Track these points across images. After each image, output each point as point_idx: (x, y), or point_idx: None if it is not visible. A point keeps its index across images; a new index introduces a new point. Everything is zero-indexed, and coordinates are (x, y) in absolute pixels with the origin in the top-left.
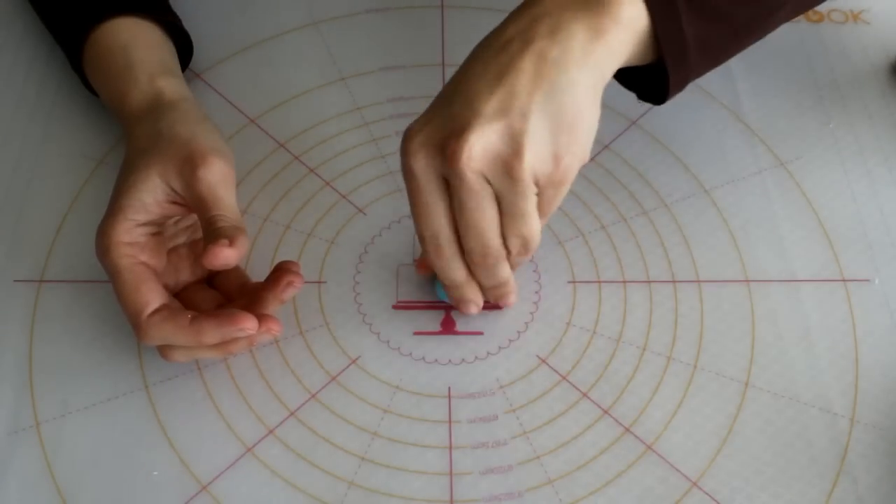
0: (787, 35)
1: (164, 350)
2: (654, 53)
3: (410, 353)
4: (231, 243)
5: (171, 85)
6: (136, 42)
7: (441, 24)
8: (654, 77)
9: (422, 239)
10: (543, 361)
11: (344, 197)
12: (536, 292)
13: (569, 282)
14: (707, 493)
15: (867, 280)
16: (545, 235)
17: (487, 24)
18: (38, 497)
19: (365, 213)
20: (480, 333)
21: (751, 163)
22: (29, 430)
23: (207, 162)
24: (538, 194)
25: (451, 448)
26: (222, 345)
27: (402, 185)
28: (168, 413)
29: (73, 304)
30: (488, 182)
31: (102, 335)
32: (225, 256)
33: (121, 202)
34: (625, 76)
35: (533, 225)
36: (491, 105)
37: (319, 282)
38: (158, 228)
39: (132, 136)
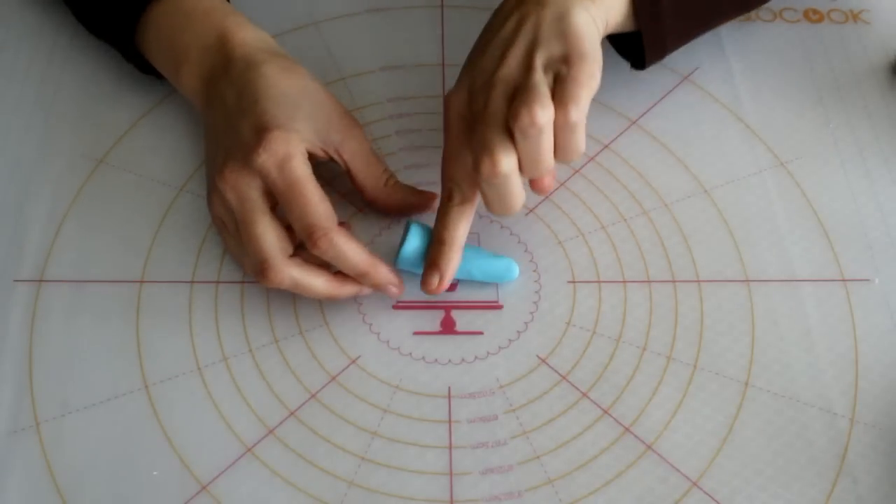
0: (787, 35)
1: (277, 268)
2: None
3: (410, 353)
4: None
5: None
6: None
7: (441, 24)
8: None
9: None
10: (543, 361)
11: (344, 197)
12: (536, 292)
13: (569, 282)
14: (707, 493)
15: (867, 280)
16: (545, 235)
17: None
18: (38, 497)
19: (365, 213)
20: (480, 333)
21: (751, 163)
22: (29, 430)
23: (359, 126)
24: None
25: (451, 448)
26: (349, 282)
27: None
28: (168, 413)
29: (73, 304)
30: None
31: (102, 335)
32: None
33: (285, 122)
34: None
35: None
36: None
37: None
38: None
39: (269, 63)
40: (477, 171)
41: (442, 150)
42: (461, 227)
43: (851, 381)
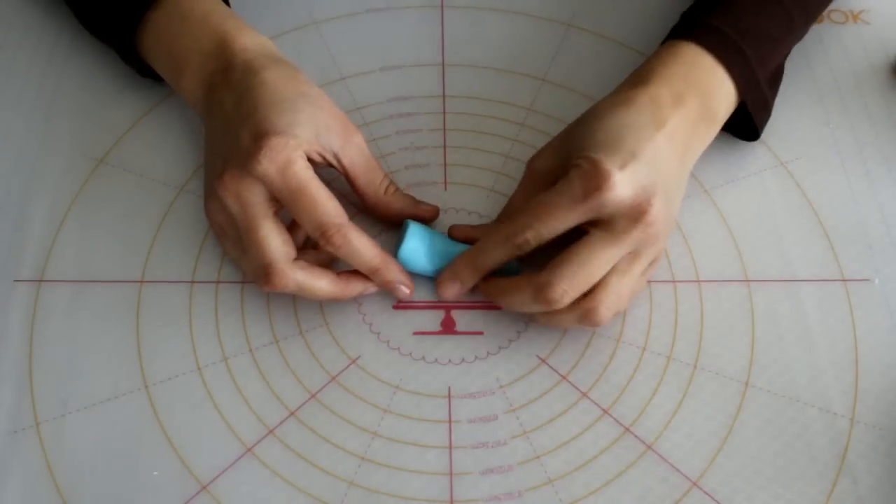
0: None
1: (282, 272)
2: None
3: (410, 353)
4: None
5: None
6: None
7: (441, 24)
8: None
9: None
10: (543, 361)
11: (344, 197)
12: None
13: None
14: (707, 493)
15: (867, 280)
16: None
17: (487, 23)
18: (38, 497)
19: (365, 214)
20: (480, 333)
21: (751, 163)
22: (29, 430)
23: (359, 133)
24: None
25: (451, 448)
26: (353, 282)
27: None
28: (168, 413)
29: (73, 304)
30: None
31: (102, 335)
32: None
33: (284, 128)
34: None
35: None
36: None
37: None
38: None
39: (268, 69)
40: (543, 298)
41: (517, 193)
42: (500, 263)
43: (851, 381)
